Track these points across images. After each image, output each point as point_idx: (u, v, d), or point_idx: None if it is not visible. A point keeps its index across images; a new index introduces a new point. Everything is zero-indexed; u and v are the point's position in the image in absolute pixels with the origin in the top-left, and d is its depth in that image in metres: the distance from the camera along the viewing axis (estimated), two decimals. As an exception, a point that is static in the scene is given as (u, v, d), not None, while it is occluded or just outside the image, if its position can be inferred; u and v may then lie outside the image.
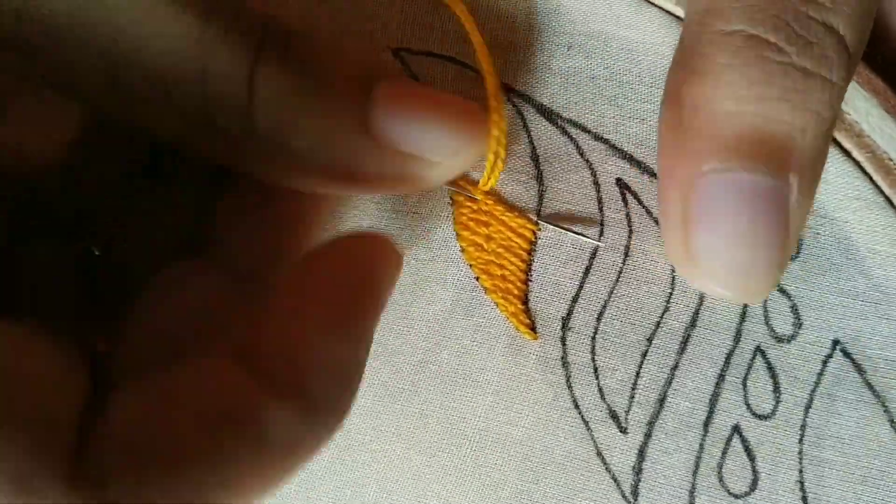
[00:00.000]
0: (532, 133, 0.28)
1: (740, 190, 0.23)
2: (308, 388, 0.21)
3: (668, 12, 0.28)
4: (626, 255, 0.27)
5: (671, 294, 0.27)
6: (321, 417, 0.21)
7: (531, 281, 0.28)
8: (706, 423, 0.27)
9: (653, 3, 0.28)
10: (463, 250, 0.28)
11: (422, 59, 0.29)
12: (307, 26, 0.29)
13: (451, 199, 0.28)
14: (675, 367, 0.27)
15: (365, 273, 0.23)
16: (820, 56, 0.22)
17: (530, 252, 0.28)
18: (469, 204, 0.28)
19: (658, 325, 0.27)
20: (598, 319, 0.27)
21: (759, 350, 0.27)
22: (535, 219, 0.28)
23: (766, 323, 0.27)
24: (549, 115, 0.28)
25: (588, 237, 0.28)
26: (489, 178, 0.27)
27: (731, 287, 0.24)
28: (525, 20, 0.28)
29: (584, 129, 0.28)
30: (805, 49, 0.22)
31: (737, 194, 0.23)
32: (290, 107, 0.23)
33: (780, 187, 0.23)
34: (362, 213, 0.29)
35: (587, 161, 0.28)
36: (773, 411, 0.27)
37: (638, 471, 0.27)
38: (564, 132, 0.28)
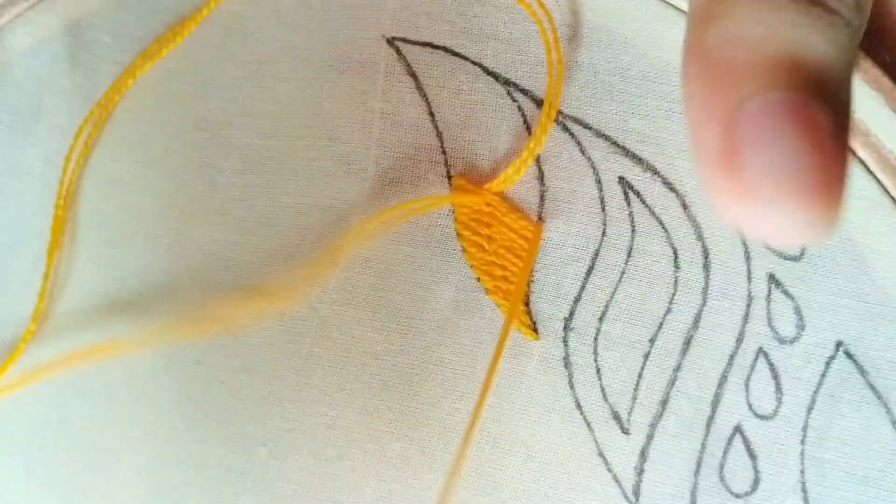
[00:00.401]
0: (532, 129, 0.28)
1: (787, 109, 0.22)
2: None
3: (672, 5, 0.27)
4: (629, 254, 0.27)
5: (674, 294, 0.27)
6: None
7: (533, 281, 0.28)
8: (708, 424, 0.27)
9: None
10: (464, 250, 0.28)
11: (420, 50, 0.29)
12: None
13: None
14: (678, 367, 0.27)
15: None
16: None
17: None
18: (469, 204, 0.28)
19: (660, 325, 0.27)
20: (601, 320, 0.27)
21: (761, 351, 0.27)
22: (535, 219, 0.28)
23: (770, 324, 0.27)
24: None
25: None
26: (504, 181, 0.27)
27: (792, 214, 0.21)
28: (525, 13, 0.28)
29: (586, 126, 0.27)
30: None
31: (785, 113, 0.22)
32: None
33: (820, 107, 0.22)
34: (360, 211, 0.29)
35: (588, 159, 0.27)
36: (776, 412, 0.26)
37: (640, 471, 0.27)
38: (565, 129, 0.28)
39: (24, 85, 0.31)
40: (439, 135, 0.28)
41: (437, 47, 0.29)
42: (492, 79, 0.28)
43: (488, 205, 0.28)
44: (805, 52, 0.22)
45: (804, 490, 0.26)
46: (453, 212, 0.28)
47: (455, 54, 0.28)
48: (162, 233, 0.30)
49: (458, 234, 0.28)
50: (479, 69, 0.28)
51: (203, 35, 0.31)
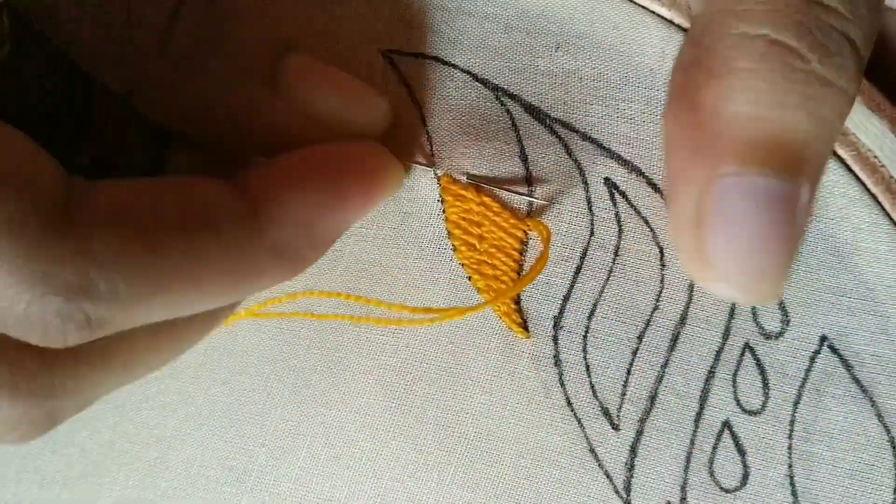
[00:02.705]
0: (521, 132, 0.29)
1: (757, 194, 0.23)
2: (280, 221, 0.25)
3: (653, 13, 0.28)
4: (616, 254, 0.28)
5: (661, 292, 0.28)
6: (282, 251, 0.25)
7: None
8: (697, 419, 0.27)
9: (638, 4, 0.28)
10: (455, 249, 0.29)
11: (412, 60, 0.30)
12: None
13: (440, 197, 0.29)
14: (666, 364, 0.28)
15: (362, 163, 0.27)
16: (839, 66, 0.23)
17: (522, 252, 0.28)
18: (459, 203, 0.29)
19: (648, 322, 0.28)
20: (590, 318, 0.28)
21: (748, 347, 0.27)
22: (525, 225, 0.28)
23: (755, 320, 0.27)
24: (538, 114, 0.29)
25: (523, 193, 0.28)
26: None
27: (744, 290, 0.24)
28: (513, 21, 0.29)
29: (572, 129, 0.28)
30: (826, 58, 0.22)
31: (754, 198, 0.23)
32: (208, 40, 0.27)
33: (793, 192, 0.23)
34: (358, 216, 0.30)
35: (575, 161, 0.28)
36: (763, 407, 0.27)
37: (630, 466, 0.27)
38: (552, 131, 0.28)
39: None
40: (430, 139, 0.29)
41: (427, 57, 0.30)
42: (481, 85, 0.29)
43: (479, 204, 0.28)
44: (790, 134, 0.23)
45: (792, 484, 0.26)
46: (444, 211, 0.29)
47: (445, 63, 0.29)
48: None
49: (449, 234, 0.29)
50: (469, 76, 0.29)
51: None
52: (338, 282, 0.30)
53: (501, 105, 0.29)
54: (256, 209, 0.24)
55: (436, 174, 0.29)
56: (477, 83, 0.29)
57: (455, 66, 0.29)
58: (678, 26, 0.28)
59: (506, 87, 0.29)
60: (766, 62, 0.23)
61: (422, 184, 0.29)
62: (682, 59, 0.25)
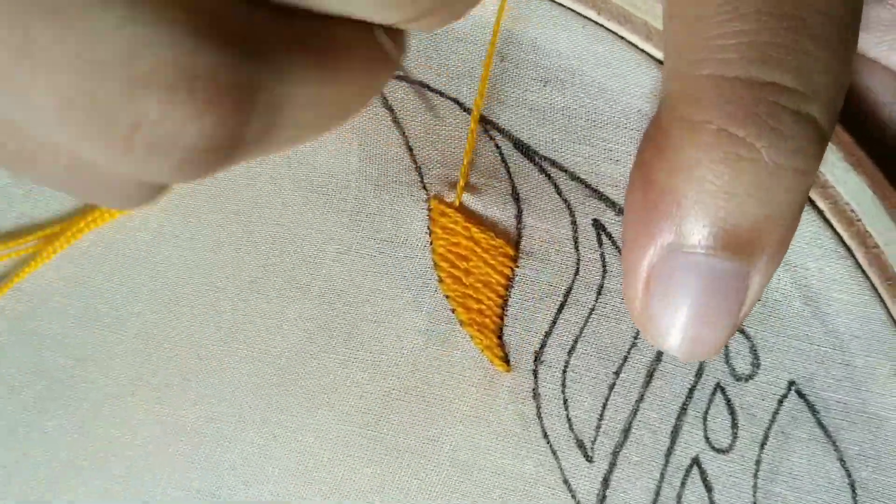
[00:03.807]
0: (511, 169, 0.28)
1: (700, 271, 0.24)
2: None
3: (644, 52, 0.28)
4: (599, 293, 0.28)
5: (639, 331, 0.28)
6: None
7: (507, 315, 0.28)
8: (668, 454, 0.28)
9: (627, 41, 0.28)
10: (441, 281, 0.29)
11: (396, 84, 0.29)
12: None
13: (428, 228, 0.29)
14: (640, 399, 0.28)
15: None
16: (793, 149, 0.22)
17: (507, 288, 0.28)
18: (447, 236, 0.28)
19: (625, 359, 0.28)
20: (570, 354, 0.28)
21: (719, 387, 0.28)
22: (514, 252, 0.28)
23: (727, 361, 0.28)
24: (527, 151, 0.28)
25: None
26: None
27: (680, 352, 0.25)
28: (502, 50, 0.29)
29: (562, 168, 0.28)
30: (777, 142, 0.22)
31: (696, 275, 0.24)
32: None
33: (741, 270, 0.24)
34: (336, 243, 0.29)
35: (565, 201, 0.28)
36: (731, 446, 0.28)
37: (602, 498, 0.28)
38: (542, 170, 0.28)
39: None
40: (418, 169, 0.29)
41: (413, 82, 0.29)
42: (468, 115, 0.29)
43: (468, 238, 0.28)
44: (738, 219, 0.23)
45: (756, 520, 0.28)
46: (431, 243, 0.29)
47: (432, 90, 0.29)
48: (133, 253, 0.30)
49: (436, 265, 0.29)
50: (457, 105, 0.29)
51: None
52: (311, 306, 0.29)
53: (490, 139, 0.28)
54: None
55: (427, 203, 0.29)
56: (465, 113, 0.29)
57: (442, 94, 0.29)
58: (668, 67, 0.28)
59: (494, 120, 0.28)
60: (711, 153, 0.23)
61: (410, 213, 0.29)
62: (647, 131, 0.25)
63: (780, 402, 0.28)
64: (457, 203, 0.28)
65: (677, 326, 0.25)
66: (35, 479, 0.30)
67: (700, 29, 0.23)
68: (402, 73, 0.29)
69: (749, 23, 0.23)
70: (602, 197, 0.28)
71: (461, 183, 0.28)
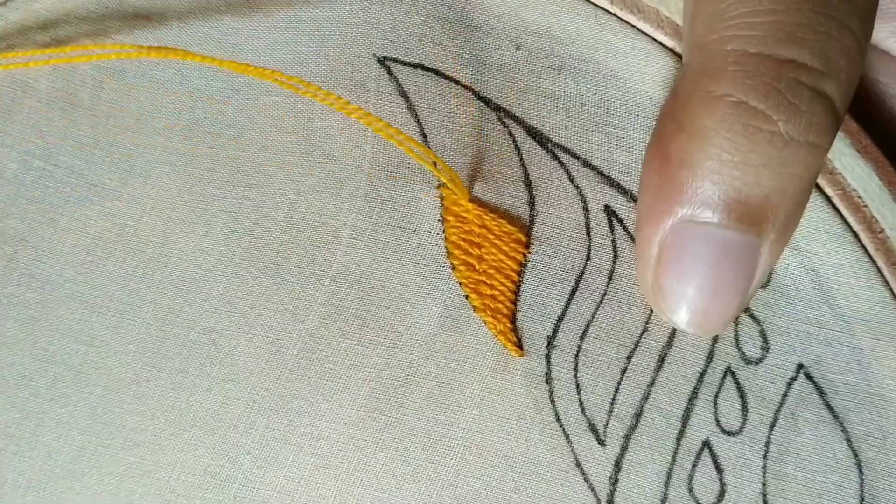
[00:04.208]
0: (524, 157, 0.29)
1: (712, 243, 0.24)
2: None
3: (656, 41, 0.28)
4: (611, 278, 0.29)
5: (650, 316, 0.29)
6: None
7: (520, 301, 0.29)
8: (679, 438, 0.29)
9: (641, 31, 0.29)
10: (454, 268, 0.29)
11: (411, 71, 0.29)
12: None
13: (441, 216, 0.29)
14: (652, 383, 0.29)
15: None
16: (808, 124, 0.23)
17: (520, 273, 0.29)
18: (459, 224, 0.29)
19: (637, 344, 0.29)
20: (582, 338, 0.29)
21: (729, 370, 0.29)
22: (526, 238, 0.29)
23: (737, 345, 0.29)
24: (540, 138, 0.29)
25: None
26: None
27: (690, 325, 0.26)
28: (516, 39, 0.29)
29: (574, 155, 0.29)
30: (794, 117, 0.23)
31: (708, 246, 0.24)
32: None
33: (751, 242, 0.24)
34: (350, 229, 0.29)
35: (577, 187, 0.29)
36: (741, 428, 0.28)
37: (614, 481, 0.29)
38: (555, 157, 0.29)
39: None
40: (433, 161, 0.29)
41: (427, 69, 0.29)
42: (483, 104, 0.29)
43: (481, 226, 0.29)
44: (752, 190, 0.24)
45: (765, 501, 0.28)
46: (444, 230, 0.29)
47: (446, 77, 0.29)
48: (146, 239, 0.30)
49: (448, 253, 0.29)
50: (471, 93, 0.29)
51: (189, 44, 0.31)
52: (326, 291, 0.29)
53: (504, 126, 0.29)
54: None
55: (439, 192, 0.29)
56: (479, 101, 0.29)
57: (457, 82, 0.29)
58: (680, 56, 0.28)
59: (508, 107, 0.29)
60: (729, 123, 0.23)
61: (423, 201, 0.29)
62: (665, 106, 0.26)
63: (790, 384, 0.28)
64: (468, 192, 0.29)
65: (687, 298, 0.25)
66: (48, 466, 0.30)
67: (726, 5, 0.24)
68: (416, 62, 0.29)
69: (777, 3, 0.24)
70: (614, 183, 0.29)
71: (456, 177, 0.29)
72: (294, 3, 0.30)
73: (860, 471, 0.28)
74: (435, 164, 0.28)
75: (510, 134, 0.29)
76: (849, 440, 0.28)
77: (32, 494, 0.30)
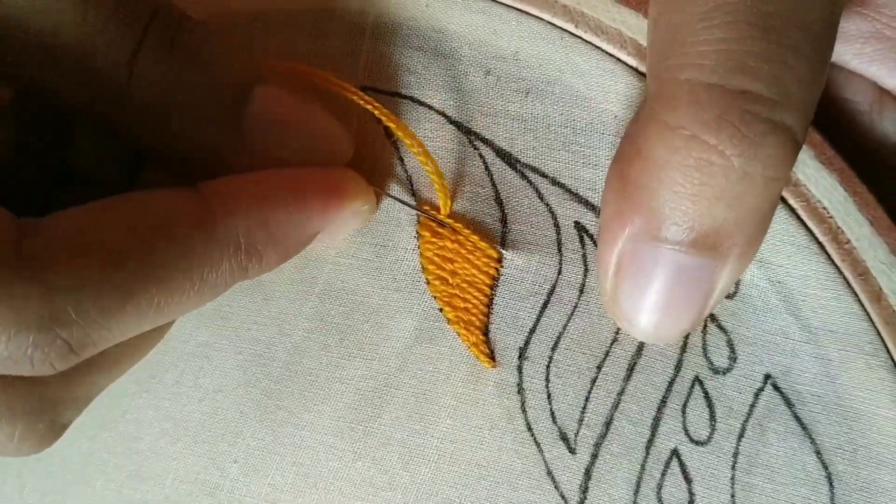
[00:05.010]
0: (494, 177, 0.30)
1: (667, 263, 0.25)
2: (234, 214, 0.25)
3: (618, 59, 0.29)
4: (581, 292, 0.29)
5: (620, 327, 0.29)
6: (238, 246, 0.26)
7: (492, 313, 0.30)
8: (648, 446, 0.29)
9: (603, 51, 0.29)
10: (428, 283, 0.30)
11: (388, 99, 0.31)
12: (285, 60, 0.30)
13: (417, 233, 0.30)
14: (622, 392, 0.29)
15: (323, 174, 0.28)
16: (765, 157, 0.23)
17: (492, 287, 0.30)
18: (434, 240, 0.30)
19: (607, 354, 0.29)
20: (553, 350, 0.30)
21: (697, 380, 0.29)
22: (498, 254, 0.30)
23: (705, 355, 0.29)
24: (509, 159, 0.30)
25: (412, 206, 0.30)
26: (446, 202, 0.29)
27: (643, 335, 0.27)
28: (485, 65, 0.30)
29: (542, 174, 0.30)
30: (748, 150, 0.23)
31: (663, 266, 0.25)
32: (167, 92, 0.26)
33: (707, 265, 0.25)
34: (332, 248, 0.31)
35: (547, 205, 0.30)
36: (710, 438, 0.29)
37: (584, 489, 0.29)
38: (524, 176, 0.30)
39: None
40: (409, 178, 0.30)
41: (404, 97, 0.31)
42: (454, 127, 0.30)
43: (454, 241, 0.30)
44: (706, 220, 0.24)
45: (734, 511, 0.28)
46: (419, 247, 0.30)
47: (420, 103, 0.31)
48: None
49: (423, 269, 0.30)
50: (443, 118, 0.30)
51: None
52: (311, 306, 0.31)
53: (474, 149, 0.30)
54: (211, 207, 0.25)
55: (416, 211, 0.30)
56: (451, 125, 0.30)
57: (430, 107, 0.30)
58: (643, 74, 0.29)
59: (478, 130, 0.30)
60: (682, 156, 0.23)
61: (399, 218, 0.30)
62: (628, 128, 0.26)
63: (757, 394, 0.29)
64: (445, 209, 0.30)
65: (643, 311, 0.26)
66: (56, 472, 0.32)
67: (682, 34, 0.24)
68: (393, 90, 0.31)
69: (730, 31, 0.23)
70: (582, 200, 0.29)
71: (442, 190, 0.30)
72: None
73: (830, 484, 0.28)
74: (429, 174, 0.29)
75: (480, 156, 0.30)
76: (818, 452, 0.28)
77: (49, 499, 0.32)
